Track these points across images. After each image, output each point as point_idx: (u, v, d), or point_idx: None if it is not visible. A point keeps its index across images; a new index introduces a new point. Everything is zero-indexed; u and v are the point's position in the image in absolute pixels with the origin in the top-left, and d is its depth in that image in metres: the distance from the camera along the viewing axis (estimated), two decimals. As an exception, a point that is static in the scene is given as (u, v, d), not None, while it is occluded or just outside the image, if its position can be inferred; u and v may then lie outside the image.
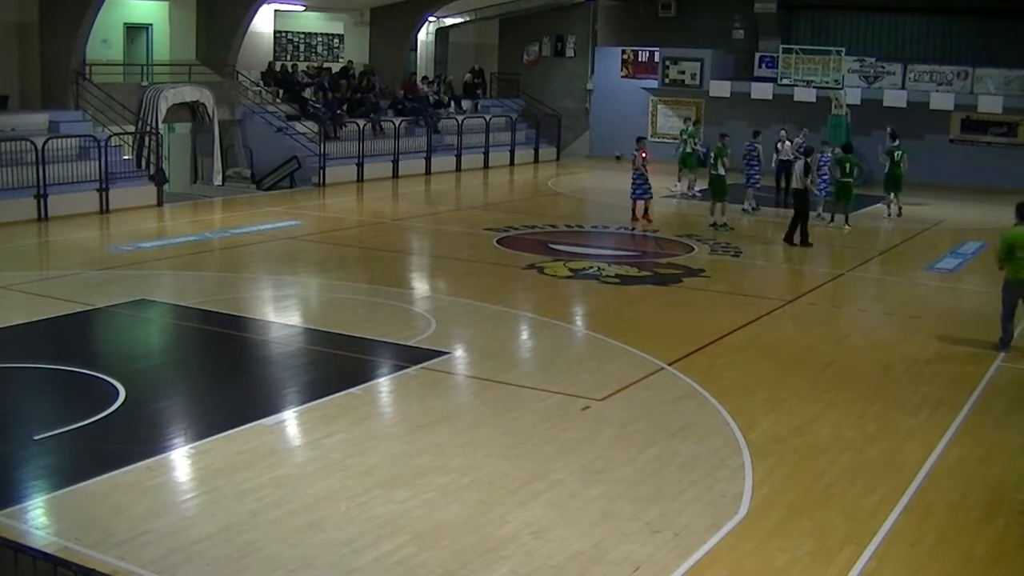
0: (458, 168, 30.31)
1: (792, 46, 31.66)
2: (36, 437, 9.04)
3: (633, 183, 21.61)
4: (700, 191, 24.89)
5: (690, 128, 26.65)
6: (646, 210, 21.76)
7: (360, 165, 27.04)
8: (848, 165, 21.56)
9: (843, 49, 30.64)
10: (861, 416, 10.30)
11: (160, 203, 22.02)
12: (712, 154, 21.98)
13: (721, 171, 21.38)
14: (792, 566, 7.16)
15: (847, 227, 21.55)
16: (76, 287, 14.73)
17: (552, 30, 36.28)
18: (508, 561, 7.07)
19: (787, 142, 24.54)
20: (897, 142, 23.85)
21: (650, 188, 21.62)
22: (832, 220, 22.01)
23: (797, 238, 19.62)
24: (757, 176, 23.77)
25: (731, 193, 21.69)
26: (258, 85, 27.62)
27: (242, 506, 7.78)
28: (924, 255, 19.56)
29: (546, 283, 16.08)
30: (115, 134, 22.02)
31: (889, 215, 23.66)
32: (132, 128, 23.22)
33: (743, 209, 23.20)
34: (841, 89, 29.78)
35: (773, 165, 25.10)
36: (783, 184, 24.54)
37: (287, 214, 21.78)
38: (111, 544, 7.10)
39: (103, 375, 10.73)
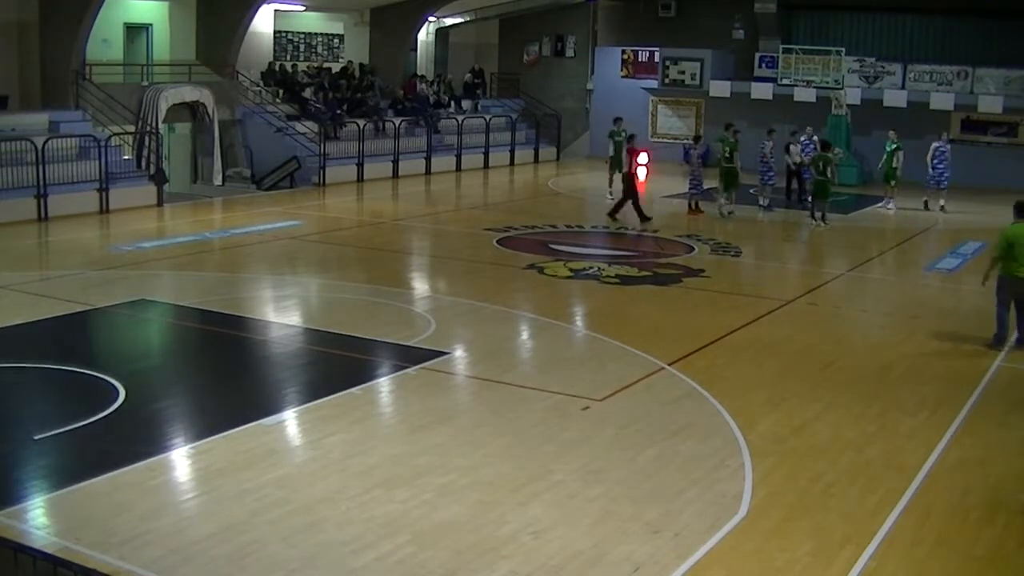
0: (458, 168, 30.31)
1: (792, 46, 31.67)
2: (36, 437, 9.04)
3: (690, 181, 23.51)
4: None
5: (618, 129, 26.52)
6: (695, 205, 23.36)
7: (360, 165, 27.04)
8: (822, 163, 21.73)
9: (843, 49, 30.66)
10: (861, 416, 10.30)
11: (160, 203, 22.02)
12: (726, 149, 23.04)
13: (735, 163, 22.65)
14: (792, 566, 7.16)
15: (823, 224, 21.72)
16: (76, 287, 14.73)
17: (552, 30, 36.27)
18: (508, 561, 7.07)
19: (798, 144, 24.57)
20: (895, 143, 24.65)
21: (701, 185, 23.56)
22: (821, 218, 22.03)
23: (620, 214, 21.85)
24: (772, 175, 23.88)
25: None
26: (258, 85, 27.62)
27: (242, 506, 7.78)
28: (924, 255, 19.57)
29: (546, 283, 16.08)
30: (115, 134, 22.02)
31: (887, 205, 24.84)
32: (132, 128, 23.21)
33: (760, 205, 23.71)
34: (841, 89, 29.79)
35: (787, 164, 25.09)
36: (793, 185, 24.81)
37: (287, 214, 21.77)
38: (111, 544, 7.10)
39: (103, 375, 10.73)
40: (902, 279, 17.94)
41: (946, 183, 24.39)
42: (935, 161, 24.35)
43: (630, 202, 22.02)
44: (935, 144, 24.57)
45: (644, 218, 21.75)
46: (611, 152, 25.26)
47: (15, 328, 12.55)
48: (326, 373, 11.51)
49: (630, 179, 22.39)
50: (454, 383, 11.24)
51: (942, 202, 24.37)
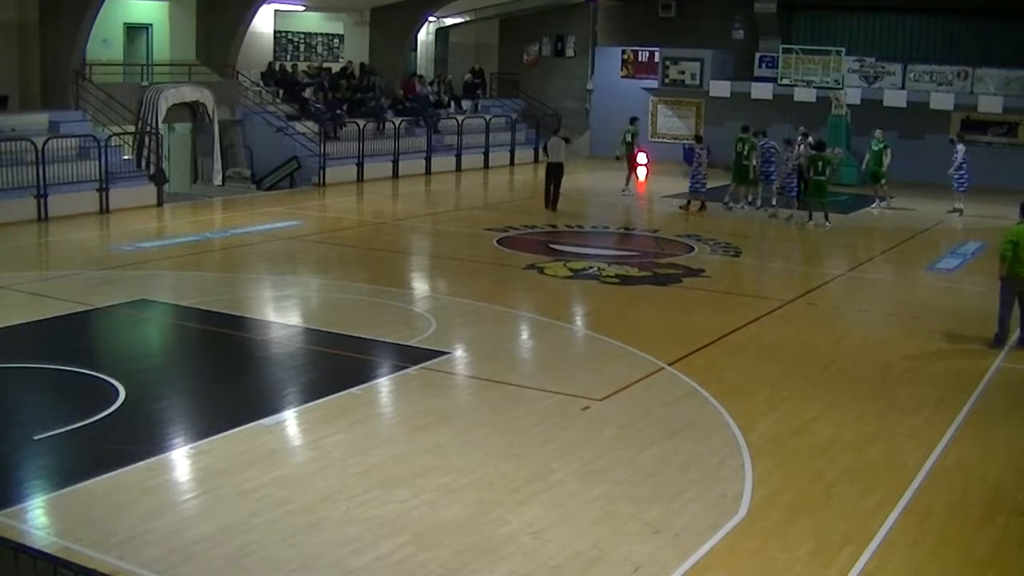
0: (458, 168, 30.30)
1: (792, 46, 31.68)
2: (36, 437, 9.04)
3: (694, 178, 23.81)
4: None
5: (633, 127, 27.18)
6: (698, 204, 23.62)
7: (360, 165, 27.03)
8: (820, 163, 21.76)
9: (843, 49, 30.66)
10: (861, 416, 10.30)
11: (160, 203, 22.01)
12: (745, 147, 23.44)
13: (754, 161, 23.29)
14: (792, 566, 7.16)
15: (827, 224, 21.75)
16: (76, 287, 14.72)
17: (552, 30, 36.28)
18: (508, 561, 7.07)
19: (802, 145, 24.57)
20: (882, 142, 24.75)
21: (702, 185, 23.63)
22: (811, 219, 22.09)
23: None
24: (775, 175, 23.97)
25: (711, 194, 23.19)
26: (258, 85, 27.62)
27: (242, 506, 7.78)
28: (924, 255, 19.57)
29: (546, 283, 16.07)
30: (115, 134, 22.00)
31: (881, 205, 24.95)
32: (132, 128, 23.21)
33: (758, 205, 23.86)
34: (841, 89, 29.79)
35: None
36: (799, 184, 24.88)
37: (287, 214, 21.77)
38: (111, 544, 7.11)
39: (103, 375, 10.73)
40: (902, 279, 17.93)
41: (954, 186, 24.30)
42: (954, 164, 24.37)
43: (554, 189, 23.15)
44: (959, 146, 24.62)
45: (547, 207, 22.89)
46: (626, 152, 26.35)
47: (15, 328, 12.55)
48: (326, 373, 11.51)
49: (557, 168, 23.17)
50: (454, 383, 11.24)
51: (956, 204, 24.44)
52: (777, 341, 13.12)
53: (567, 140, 24.14)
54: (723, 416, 10.09)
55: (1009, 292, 12.81)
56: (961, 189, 24.23)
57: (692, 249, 19.10)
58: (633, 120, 27.75)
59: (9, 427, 9.36)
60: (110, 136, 21.60)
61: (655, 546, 7.35)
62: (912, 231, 22.13)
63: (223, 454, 8.80)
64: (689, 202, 23.86)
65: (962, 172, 24.13)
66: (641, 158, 27.14)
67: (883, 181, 24.62)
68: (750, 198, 23.83)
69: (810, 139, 23.68)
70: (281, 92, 27.98)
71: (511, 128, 33.11)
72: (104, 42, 24.91)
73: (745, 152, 23.39)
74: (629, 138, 26.76)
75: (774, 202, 23.33)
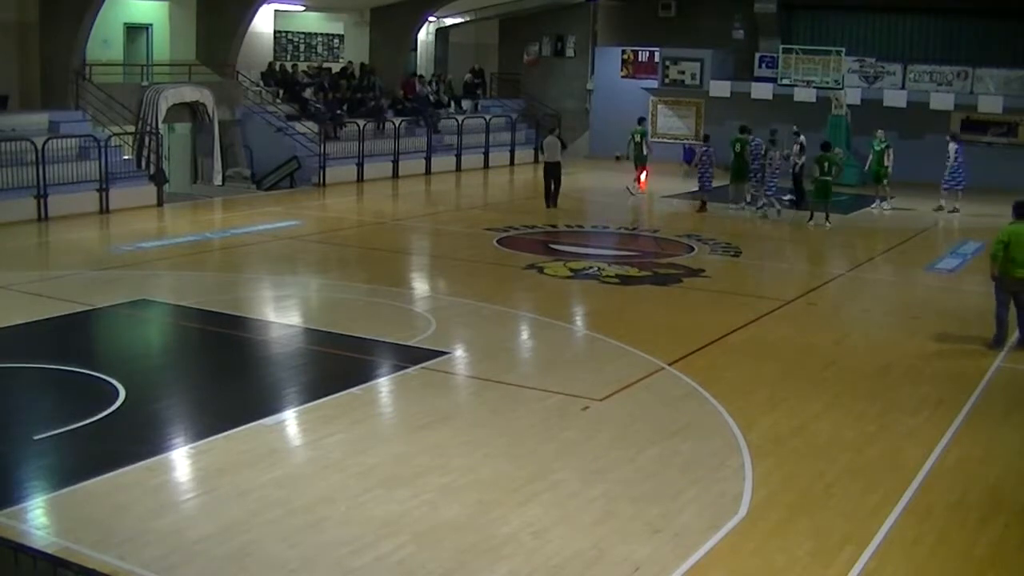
0: (458, 168, 30.31)
1: (792, 46, 31.69)
2: (36, 437, 9.04)
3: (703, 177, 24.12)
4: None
5: (641, 127, 27.32)
6: (702, 204, 23.96)
7: (360, 165, 27.04)
8: (826, 164, 21.80)
9: (843, 49, 30.66)
10: (861, 416, 10.30)
11: (160, 203, 22.01)
12: (762, 148, 23.54)
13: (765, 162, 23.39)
14: (792, 566, 7.16)
15: (828, 224, 21.78)
16: (76, 287, 14.72)
17: (552, 30, 36.28)
18: (508, 561, 7.07)
19: (796, 145, 24.55)
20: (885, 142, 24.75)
21: (707, 183, 23.97)
22: (811, 219, 22.12)
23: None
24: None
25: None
26: (258, 85, 27.62)
27: (242, 506, 7.78)
28: (924, 255, 19.57)
29: (546, 283, 16.08)
30: (115, 134, 22.01)
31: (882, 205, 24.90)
32: (132, 128, 23.22)
33: (758, 206, 23.79)
34: (841, 89, 29.79)
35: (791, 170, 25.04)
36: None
37: (287, 214, 21.77)
38: (111, 544, 7.11)
39: (103, 375, 10.73)
40: (902, 279, 17.93)
41: (942, 183, 24.43)
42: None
43: (554, 188, 23.80)
44: (952, 144, 24.67)
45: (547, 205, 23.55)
46: (644, 151, 26.64)
47: (15, 328, 12.55)
48: (326, 373, 11.51)
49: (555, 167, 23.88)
50: (454, 383, 11.24)
51: (955, 204, 24.53)
52: (777, 341, 13.12)
53: (562, 141, 24.71)
54: (723, 416, 10.09)
55: (1003, 291, 12.82)
56: (947, 187, 24.35)
57: (692, 249, 19.10)
58: (641, 120, 27.93)
59: (9, 427, 9.36)
60: (110, 136, 21.60)
61: (655, 546, 7.35)
62: (912, 231, 22.14)
63: (223, 454, 8.80)
64: (703, 201, 23.96)
65: (955, 170, 24.18)
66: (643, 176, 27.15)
67: (885, 181, 24.65)
68: (748, 198, 23.82)
69: (802, 139, 23.69)
70: (281, 92, 27.99)
71: (511, 128, 33.11)
72: (104, 42, 24.90)
73: (762, 152, 23.37)
74: (638, 138, 26.79)
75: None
